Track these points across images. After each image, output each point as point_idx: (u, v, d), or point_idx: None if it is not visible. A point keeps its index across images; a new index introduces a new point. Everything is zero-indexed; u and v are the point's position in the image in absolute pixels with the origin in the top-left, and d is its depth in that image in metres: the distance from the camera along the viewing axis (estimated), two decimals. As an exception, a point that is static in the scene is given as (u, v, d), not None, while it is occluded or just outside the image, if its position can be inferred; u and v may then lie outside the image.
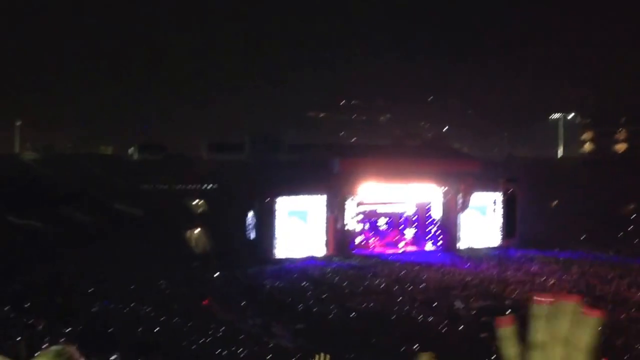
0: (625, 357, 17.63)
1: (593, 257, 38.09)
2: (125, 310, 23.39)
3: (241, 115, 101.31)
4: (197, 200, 39.22)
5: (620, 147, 76.48)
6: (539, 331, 1.41)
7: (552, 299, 1.41)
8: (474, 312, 24.10)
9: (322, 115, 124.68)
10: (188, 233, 38.33)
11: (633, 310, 24.48)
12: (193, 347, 19.05)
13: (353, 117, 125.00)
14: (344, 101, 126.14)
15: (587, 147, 79.48)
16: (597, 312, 1.38)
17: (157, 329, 20.95)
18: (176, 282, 29.51)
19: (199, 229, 38.32)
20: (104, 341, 18.31)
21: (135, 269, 29.01)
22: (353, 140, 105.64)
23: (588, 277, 31.78)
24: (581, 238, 42.42)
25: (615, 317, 22.67)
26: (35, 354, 3.27)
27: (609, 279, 30.76)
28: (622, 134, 76.86)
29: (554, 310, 1.40)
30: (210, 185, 37.26)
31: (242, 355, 18.34)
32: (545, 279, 31.39)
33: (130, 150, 55.33)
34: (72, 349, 3.28)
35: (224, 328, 21.96)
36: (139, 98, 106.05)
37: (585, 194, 45.45)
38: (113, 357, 14.51)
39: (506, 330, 1.48)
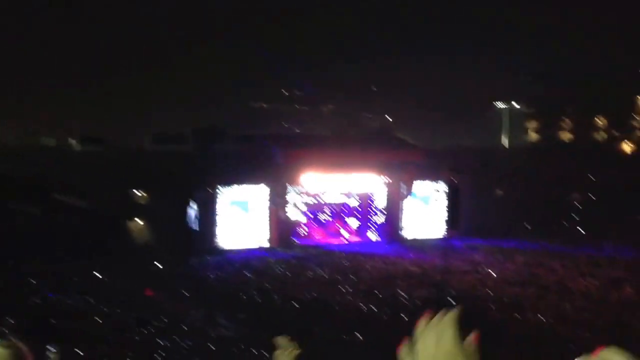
0: (570, 346, 17.96)
1: (538, 246, 38.79)
2: (68, 302, 23.03)
3: (184, 107, 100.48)
4: (139, 192, 38.72)
5: (566, 136, 78.04)
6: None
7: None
8: (418, 301, 24.29)
9: (265, 106, 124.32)
10: (130, 224, 37.83)
11: (577, 300, 24.95)
12: (136, 338, 18.83)
13: (296, 107, 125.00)
14: (287, 92, 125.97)
15: (533, 136, 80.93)
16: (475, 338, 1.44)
17: (100, 320, 20.64)
18: (118, 273, 29.11)
19: (140, 220, 37.86)
20: (47, 333, 17.94)
21: (78, 260, 28.55)
22: (296, 131, 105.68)
23: (532, 266, 32.31)
24: (526, 227, 43.19)
25: (559, 307, 23.14)
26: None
27: (553, 269, 31.30)
28: (567, 123, 78.43)
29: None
30: (153, 176, 36.76)
31: (185, 346, 18.19)
32: (489, 269, 31.81)
33: (72, 142, 54.38)
34: (19, 343, 3.19)
35: (166, 319, 21.74)
36: (81, 89, 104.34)
37: (530, 183, 46.23)
38: (54, 350, 14.18)
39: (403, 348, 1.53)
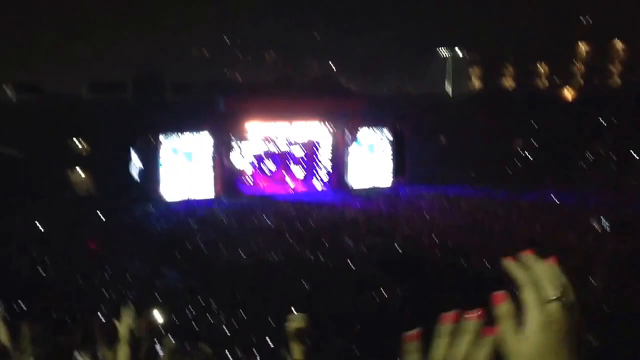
0: (512, 288, 18.23)
1: (482, 193, 39.32)
2: (9, 256, 22.49)
3: (123, 54, 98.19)
4: (79, 142, 37.82)
5: (508, 82, 78.83)
6: (440, 348, 1.47)
7: (456, 317, 1.49)
8: (365, 249, 24.38)
9: (206, 53, 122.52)
10: (71, 175, 37.03)
11: (520, 245, 25.26)
12: (81, 290, 18.51)
13: (238, 55, 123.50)
14: (229, 39, 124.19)
15: (476, 83, 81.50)
16: (493, 331, 1.45)
17: (43, 274, 20.23)
18: (60, 225, 28.57)
19: (82, 171, 37.09)
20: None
21: (16, 212, 27.91)
22: (238, 78, 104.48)
23: (476, 212, 32.71)
24: (470, 174, 43.66)
25: (504, 253, 23.39)
26: None
27: (497, 215, 31.72)
28: (510, 70, 79.16)
29: (457, 330, 1.47)
30: (93, 126, 35.88)
31: (131, 297, 17.92)
32: (434, 215, 32.12)
33: (6, 90, 52.62)
34: None
35: (111, 271, 21.43)
36: (18, 36, 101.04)
37: (474, 130, 46.58)
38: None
39: (411, 345, 1.49)
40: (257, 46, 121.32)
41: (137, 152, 36.87)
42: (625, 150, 47.81)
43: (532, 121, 50.71)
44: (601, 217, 27.13)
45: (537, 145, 50.06)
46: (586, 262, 20.90)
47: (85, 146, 37.59)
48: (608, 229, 26.18)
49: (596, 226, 26.57)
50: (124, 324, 4.33)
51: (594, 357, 1.54)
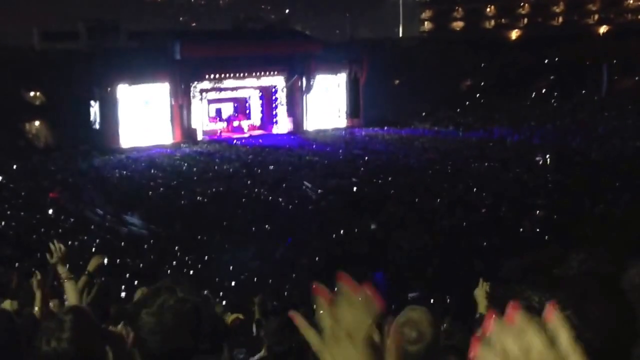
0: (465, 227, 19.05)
1: (433, 133, 40.28)
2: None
3: (73, 3, 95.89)
4: (34, 92, 37.61)
5: (458, 25, 79.09)
6: (323, 319, 1.37)
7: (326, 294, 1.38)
8: (322, 191, 24.96)
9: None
10: (27, 126, 36.93)
11: (471, 179, 25.97)
12: (43, 239, 18.82)
13: (192, 0, 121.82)
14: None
15: (427, 25, 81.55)
16: (379, 300, 1.37)
17: (2, 223, 20.53)
18: (20, 175, 28.77)
19: (39, 122, 36.99)
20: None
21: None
22: (193, 25, 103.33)
23: (428, 151, 33.56)
24: (422, 115, 44.52)
25: (455, 189, 24.21)
26: None
27: (447, 153, 32.60)
28: (459, 12, 79.36)
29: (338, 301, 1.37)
30: (48, 76, 35.64)
31: (94, 245, 18.36)
32: (388, 156, 32.91)
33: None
34: None
35: (72, 219, 21.79)
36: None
37: (425, 72, 47.28)
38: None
39: (321, 300, 1.39)
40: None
41: (94, 100, 36.84)
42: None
43: (481, 62, 51.66)
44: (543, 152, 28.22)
45: (484, 85, 51.10)
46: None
47: (41, 96, 37.43)
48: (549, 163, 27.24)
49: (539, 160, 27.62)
50: (91, 263, 5.07)
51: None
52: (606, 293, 1.85)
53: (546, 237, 16.02)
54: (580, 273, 2.59)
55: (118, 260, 16.39)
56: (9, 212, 22.00)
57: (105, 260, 5.43)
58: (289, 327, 4.64)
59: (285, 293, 13.78)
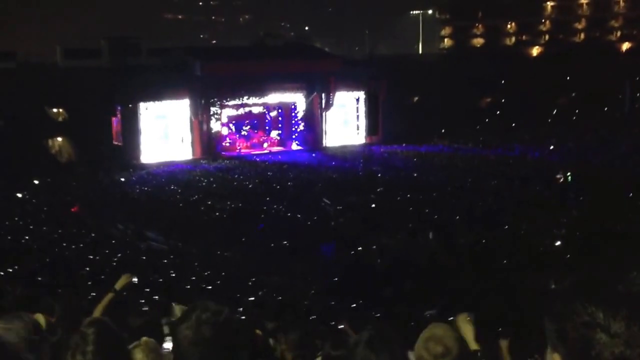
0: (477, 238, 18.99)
1: (453, 150, 40.16)
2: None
3: (95, 20, 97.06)
4: (57, 108, 37.97)
5: (478, 41, 79.01)
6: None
7: None
8: (341, 207, 24.91)
9: (179, 17, 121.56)
10: (50, 142, 37.27)
11: (488, 196, 25.89)
12: (65, 253, 18.91)
13: (212, 18, 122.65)
14: (201, 2, 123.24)
15: (446, 42, 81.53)
16: None
17: (26, 237, 20.62)
18: (43, 191, 28.95)
19: (61, 138, 37.32)
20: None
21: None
22: (213, 42, 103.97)
23: (448, 169, 33.43)
24: (441, 132, 44.40)
25: (474, 206, 24.14)
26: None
27: (467, 170, 32.49)
28: (479, 29, 79.30)
29: None
30: (71, 93, 35.97)
31: (115, 259, 18.39)
32: (407, 172, 32.85)
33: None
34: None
35: (94, 234, 21.88)
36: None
37: (445, 89, 47.18)
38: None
39: None
40: (230, 9, 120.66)
41: (116, 117, 37.17)
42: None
43: (501, 78, 51.50)
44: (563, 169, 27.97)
45: (504, 102, 50.90)
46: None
47: (63, 113, 37.78)
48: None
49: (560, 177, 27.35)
50: (120, 281, 5.17)
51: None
52: None
53: (568, 255, 15.91)
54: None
55: (138, 275, 16.39)
56: (31, 227, 22.12)
57: (135, 279, 5.57)
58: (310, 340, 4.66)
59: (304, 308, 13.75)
